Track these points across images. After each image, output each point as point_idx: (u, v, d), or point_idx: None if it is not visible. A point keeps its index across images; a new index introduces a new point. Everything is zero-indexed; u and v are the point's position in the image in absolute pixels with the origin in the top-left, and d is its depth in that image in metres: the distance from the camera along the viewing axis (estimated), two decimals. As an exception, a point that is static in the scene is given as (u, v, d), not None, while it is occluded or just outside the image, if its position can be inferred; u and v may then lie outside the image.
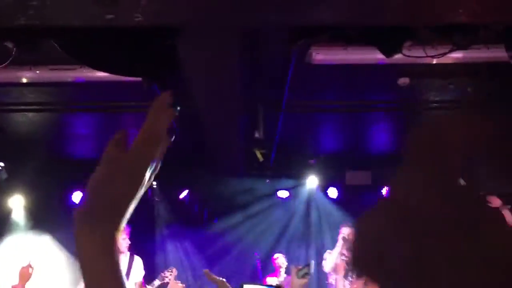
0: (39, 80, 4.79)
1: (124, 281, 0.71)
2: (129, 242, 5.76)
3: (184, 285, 3.79)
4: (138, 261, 5.81)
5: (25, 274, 3.59)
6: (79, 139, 6.91)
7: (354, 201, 7.55)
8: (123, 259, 5.63)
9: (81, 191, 7.64)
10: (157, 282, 5.81)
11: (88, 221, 0.73)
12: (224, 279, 2.69)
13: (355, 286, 5.26)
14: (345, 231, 6.07)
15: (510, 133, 0.46)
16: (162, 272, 5.85)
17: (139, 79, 3.46)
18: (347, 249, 5.97)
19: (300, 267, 3.20)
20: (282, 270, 7.22)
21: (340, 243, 6.09)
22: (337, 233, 6.31)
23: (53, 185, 7.37)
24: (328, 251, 6.31)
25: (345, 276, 6.06)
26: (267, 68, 4.42)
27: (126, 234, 5.86)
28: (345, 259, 6.08)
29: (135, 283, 5.64)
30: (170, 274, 5.65)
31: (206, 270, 2.73)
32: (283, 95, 5.14)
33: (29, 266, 3.64)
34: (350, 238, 6.02)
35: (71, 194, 7.64)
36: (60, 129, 6.57)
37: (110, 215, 0.74)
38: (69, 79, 4.79)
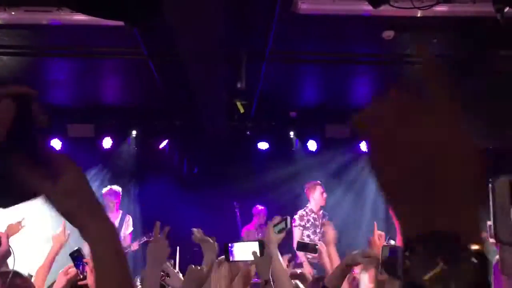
0: (14, 22, 4.61)
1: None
2: (117, 203, 6.29)
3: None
4: (128, 218, 6.48)
5: (13, 228, 3.60)
6: (56, 85, 6.75)
7: (333, 154, 7.65)
8: (115, 218, 6.27)
9: (58, 138, 7.55)
10: (143, 239, 5.95)
11: None
12: (213, 239, 2.67)
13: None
14: (313, 190, 6.19)
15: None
16: (150, 232, 5.94)
17: (120, 23, 3.35)
18: (315, 207, 6.17)
19: (276, 222, 3.25)
20: (260, 221, 7.35)
21: (310, 201, 6.23)
22: (306, 191, 6.44)
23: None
24: (299, 212, 6.36)
25: (314, 233, 6.18)
26: (251, 16, 4.33)
27: (117, 198, 6.37)
28: (314, 216, 6.21)
29: (123, 236, 6.23)
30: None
31: (196, 230, 2.73)
32: (267, 45, 5.06)
33: (20, 223, 3.63)
34: (317, 198, 6.20)
35: (49, 141, 7.54)
36: (37, 74, 6.39)
37: None
38: (45, 22, 4.62)
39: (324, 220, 6.12)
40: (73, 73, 6.51)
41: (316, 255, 3.81)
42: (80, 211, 0.84)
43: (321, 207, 6.39)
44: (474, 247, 0.48)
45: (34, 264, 3.62)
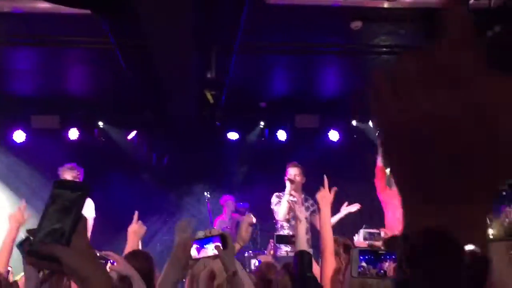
0: (-26, 9, 4.45)
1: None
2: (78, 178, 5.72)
3: (144, 227, 3.78)
4: (89, 203, 5.73)
5: (18, 218, 3.52)
6: (20, 75, 6.55)
7: (302, 143, 7.71)
8: None
9: (22, 130, 7.35)
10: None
11: None
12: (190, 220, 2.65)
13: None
14: (292, 172, 5.88)
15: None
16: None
17: (86, 11, 3.27)
18: (295, 190, 5.93)
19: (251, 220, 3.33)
20: (230, 209, 7.35)
21: (288, 184, 5.84)
22: (285, 175, 6.19)
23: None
24: (275, 194, 6.11)
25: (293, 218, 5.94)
26: (220, 5, 4.29)
27: (80, 175, 5.83)
28: (292, 199, 5.94)
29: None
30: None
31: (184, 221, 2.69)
32: (236, 35, 5.05)
33: (22, 210, 3.54)
34: (296, 179, 6.02)
35: (12, 132, 7.34)
36: (-1, 63, 6.19)
37: None
38: (7, 9, 4.47)
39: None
40: (37, 63, 6.33)
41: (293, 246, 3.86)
42: (85, 265, 0.97)
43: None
44: (471, 247, 0.45)
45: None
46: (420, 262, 0.46)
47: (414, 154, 0.47)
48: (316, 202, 3.60)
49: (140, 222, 3.67)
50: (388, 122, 0.49)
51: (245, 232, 3.35)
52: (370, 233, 4.57)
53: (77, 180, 5.69)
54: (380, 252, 1.99)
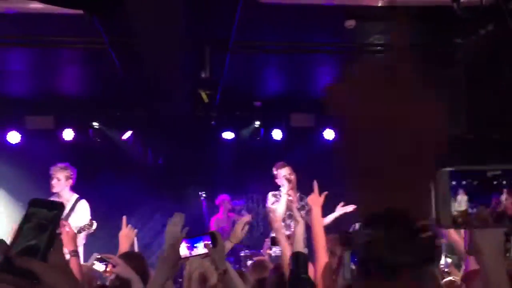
0: (-34, 10, 4.43)
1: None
2: (72, 183, 5.60)
3: (135, 230, 3.80)
4: (83, 205, 5.58)
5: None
6: (13, 76, 6.53)
7: (298, 142, 7.72)
8: (67, 202, 5.38)
9: (16, 131, 7.32)
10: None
11: None
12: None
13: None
14: (284, 172, 5.86)
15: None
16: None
17: (79, 11, 3.26)
18: (291, 189, 5.91)
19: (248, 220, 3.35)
20: (226, 208, 7.35)
21: (285, 184, 5.79)
22: (274, 177, 6.15)
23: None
24: (271, 192, 6.10)
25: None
26: (213, 4, 4.29)
27: (74, 175, 5.65)
28: (290, 198, 5.79)
29: (76, 227, 4.84)
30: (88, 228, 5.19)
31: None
32: (230, 34, 5.05)
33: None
34: (292, 178, 6.01)
35: (6, 133, 7.32)
36: (-9, 64, 6.16)
37: None
38: (0, 10, 4.45)
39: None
40: (31, 63, 6.31)
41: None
42: (63, 281, 0.95)
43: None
44: (422, 223, 0.52)
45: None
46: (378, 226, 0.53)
47: (363, 152, 0.56)
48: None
49: (129, 226, 3.71)
50: (342, 123, 0.59)
51: (240, 231, 3.36)
52: None
53: (71, 179, 5.62)
54: None
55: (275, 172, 6.03)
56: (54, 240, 0.96)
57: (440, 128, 0.56)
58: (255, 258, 5.29)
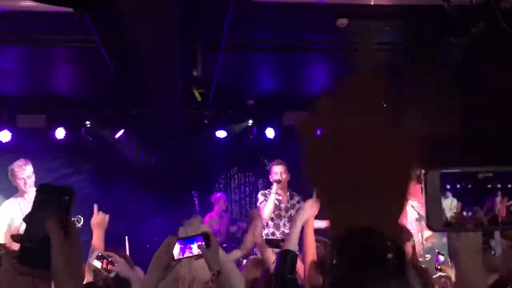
0: (-44, 8, 4.38)
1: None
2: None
3: (107, 215, 3.66)
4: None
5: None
6: (4, 74, 6.47)
7: (291, 141, 7.72)
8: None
9: (8, 129, 7.27)
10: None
11: None
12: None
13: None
14: (277, 170, 5.85)
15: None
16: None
17: (69, 9, 3.24)
18: (281, 189, 5.88)
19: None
20: (221, 207, 7.35)
21: (274, 183, 5.78)
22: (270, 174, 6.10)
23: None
24: (261, 191, 6.07)
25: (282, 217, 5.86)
26: (206, 3, 4.28)
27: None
28: (278, 197, 5.83)
29: None
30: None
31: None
32: (223, 32, 5.04)
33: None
34: (282, 177, 5.99)
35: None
36: (-18, 63, 6.11)
37: None
38: (-10, 8, 4.41)
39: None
40: (23, 62, 6.26)
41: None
42: (65, 269, 0.96)
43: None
44: (390, 242, 0.52)
45: None
46: (346, 251, 0.53)
47: (335, 166, 0.55)
48: (303, 199, 3.58)
49: (101, 212, 3.57)
50: (312, 140, 0.60)
51: (259, 235, 3.35)
52: None
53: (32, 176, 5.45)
54: None
55: (269, 169, 6.05)
56: (70, 226, 0.94)
57: (414, 146, 0.56)
58: (251, 257, 5.29)
